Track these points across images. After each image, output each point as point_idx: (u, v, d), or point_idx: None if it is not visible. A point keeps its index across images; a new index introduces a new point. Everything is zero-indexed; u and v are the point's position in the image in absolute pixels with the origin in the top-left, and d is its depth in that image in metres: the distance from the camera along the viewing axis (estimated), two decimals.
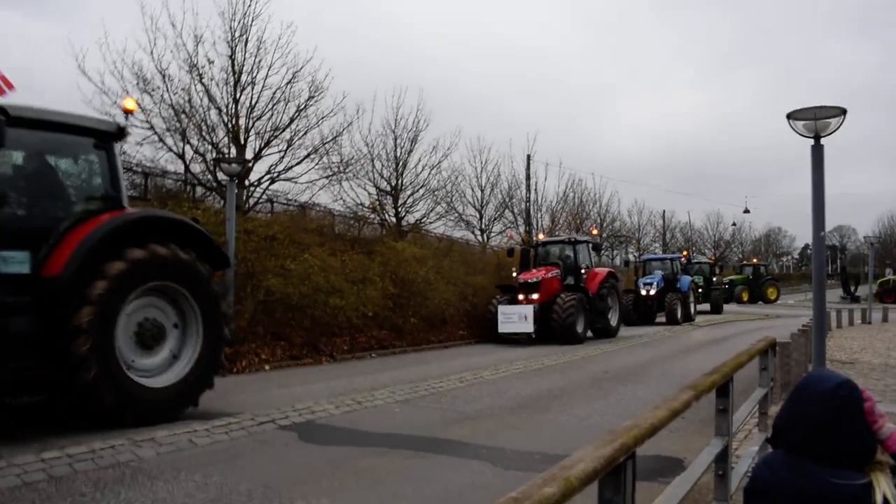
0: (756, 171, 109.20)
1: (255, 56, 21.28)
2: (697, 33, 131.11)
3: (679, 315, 30.65)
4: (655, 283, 31.53)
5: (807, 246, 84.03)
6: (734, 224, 74.43)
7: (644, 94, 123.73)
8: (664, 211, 64.31)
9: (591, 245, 24.57)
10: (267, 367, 14.11)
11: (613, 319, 23.55)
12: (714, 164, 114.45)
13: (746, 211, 60.73)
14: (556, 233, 37.93)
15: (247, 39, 21.17)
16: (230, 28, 21.05)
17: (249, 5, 21.06)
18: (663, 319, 31.08)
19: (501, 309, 20.94)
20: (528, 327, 20.24)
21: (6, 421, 8.57)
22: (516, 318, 20.50)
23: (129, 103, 11.16)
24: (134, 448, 7.33)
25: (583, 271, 22.82)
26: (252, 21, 21.14)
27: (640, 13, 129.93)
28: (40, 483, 6.23)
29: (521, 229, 37.05)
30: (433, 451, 7.54)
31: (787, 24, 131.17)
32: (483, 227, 36.40)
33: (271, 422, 8.80)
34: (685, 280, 33.41)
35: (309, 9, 62.84)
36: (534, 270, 22.44)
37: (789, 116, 8.54)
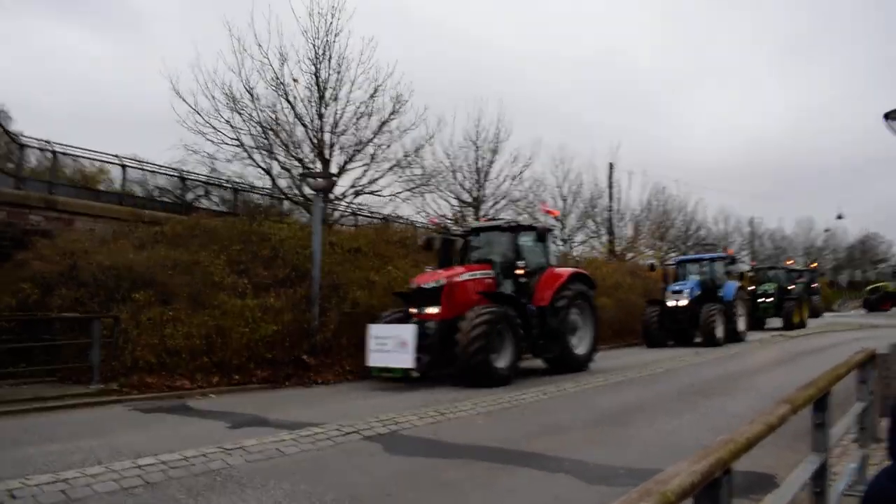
0: (849, 172, 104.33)
1: (338, 72, 21.82)
2: (769, 23, 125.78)
3: (719, 333, 23.45)
4: (688, 292, 24.58)
5: None
6: (827, 230, 71.84)
7: (720, 90, 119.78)
8: (752, 217, 62.56)
9: (539, 233, 16.20)
10: (350, 378, 14.34)
11: (581, 343, 16.41)
12: (803, 166, 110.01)
13: (840, 216, 58.65)
14: (638, 246, 37.29)
15: (330, 56, 21.73)
16: (313, 46, 21.61)
17: (331, 23, 21.55)
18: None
19: (374, 330, 13.99)
20: (405, 360, 13.29)
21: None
22: (391, 344, 13.58)
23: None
24: (224, 456, 7.53)
25: (519, 271, 15.48)
26: (335, 38, 21.65)
27: (705, 3, 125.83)
28: (136, 488, 6.47)
29: (604, 239, 36.60)
30: (516, 463, 7.48)
31: (873, 4, 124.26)
32: (565, 236, 36.18)
33: (356, 432, 8.91)
34: (730, 287, 26.01)
35: (386, 23, 63.90)
36: (440, 271, 15.23)
37: (887, 116, 8.20)
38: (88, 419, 10.12)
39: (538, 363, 16.19)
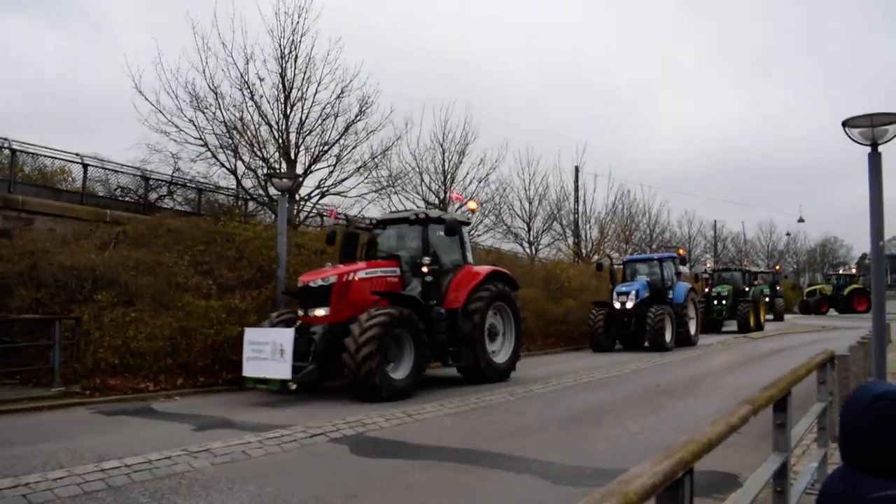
0: (810, 178, 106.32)
1: (305, 72, 21.76)
2: (732, 31, 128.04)
3: (667, 336, 22.15)
4: (634, 293, 23.16)
5: (864, 256, 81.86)
6: (788, 234, 73.09)
7: (684, 94, 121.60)
8: (715, 221, 63.36)
9: (449, 226, 13.93)
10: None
11: (502, 351, 14.89)
12: (765, 171, 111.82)
13: (801, 220, 59.69)
14: (603, 248, 37.46)
15: (296, 56, 21.68)
16: (280, 45, 21.53)
17: (298, 22, 21.46)
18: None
19: (249, 335, 12.23)
20: (282, 370, 11.45)
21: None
22: (267, 351, 11.70)
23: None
24: (190, 459, 7.46)
25: (424, 269, 13.54)
26: (301, 38, 21.58)
27: (666, 13, 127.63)
28: (99, 493, 6.40)
29: (570, 241, 36.86)
30: (484, 464, 7.52)
31: (834, 16, 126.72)
32: (531, 239, 36.39)
33: (323, 434, 8.89)
34: (680, 288, 24.76)
35: (348, 19, 63.65)
36: (327, 268, 13.49)
37: (845, 124, 8.37)
38: (50, 422, 9.94)
39: (453, 372, 14.81)
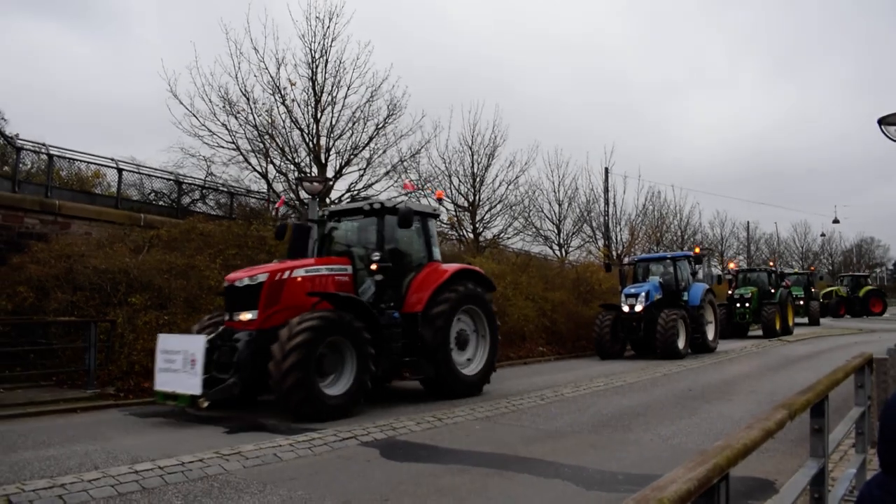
0: (846, 177, 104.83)
1: (335, 76, 21.89)
2: (758, 28, 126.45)
3: (680, 343, 20.15)
4: (644, 295, 21.04)
5: None
6: (823, 234, 72.04)
7: (713, 93, 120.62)
8: (748, 222, 62.62)
9: (402, 217, 11.83)
10: None
11: (474, 362, 13.13)
12: (799, 171, 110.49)
13: (836, 221, 58.77)
14: (634, 250, 36.92)
15: (326, 60, 21.81)
16: (310, 50, 21.69)
17: (328, 27, 21.61)
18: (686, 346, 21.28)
19: (162, 342, 10.80)
20: (192, 384, 10.05)
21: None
22: (179, 362, 10.30)
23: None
24: (222, 461, 7.52)
25: (373, 267, 11.91)
26: (331, 42, 21.72)
27: (690, 12, 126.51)
28: (133, 494, 6.47)
29: (601, 243, 36.61)
30: (514, 469, 7.47)
31: (861, 10, 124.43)
32: (561, 241, 36.21)
33: (353, 438, 8.90)
34: (697, 289, 22.59)
35: (377, 20, 64.02)
36: (258, 266, 12.06)
37: (880, 122, 8.21)
38: (85, 424, 10.09)
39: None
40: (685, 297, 22.08)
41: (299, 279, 11.36)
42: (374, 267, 11.88)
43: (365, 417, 10.18)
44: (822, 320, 41.05)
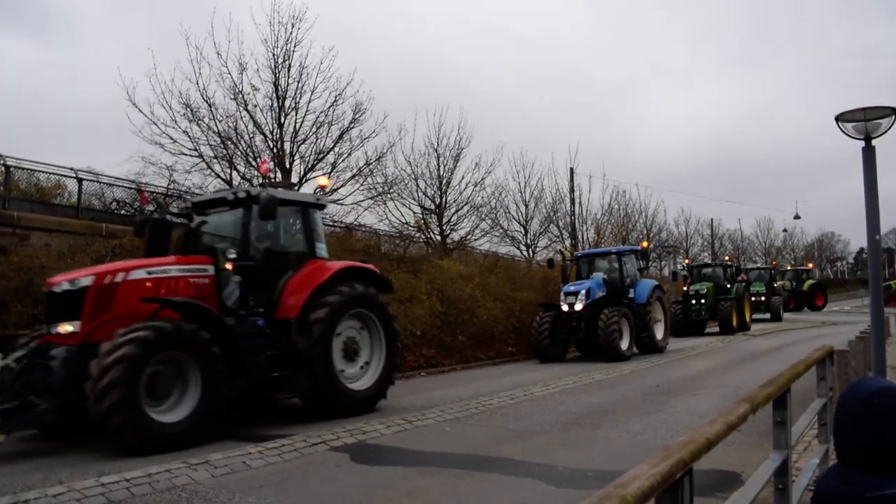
0: (806, 173, 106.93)
1: (298, 81, 21.76)
2: (715, 23, 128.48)
3: (623, 344, 19.00)
4: (584, 293, 19.70)
5: (862, 250, 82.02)
6: (785, 230, 73.21)
7: (674, 90, 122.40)
8: (712, 219, 63.39)
9: (264, 207, 10.07)
10: None
11: (367, 375, 11.34)
12: (761, 167, 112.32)
13: (797, 217, 59.73)
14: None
15: (289, 65, 21.69)
16: (273, 55, 21.54)
17: (291, 32, 21.49)
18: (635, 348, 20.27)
19: None
20: None
21: (60, 448, 8.75)
22: None
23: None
24: (189, 471, 7.42)
25: (228, 266, 10.18)
26: (294, 47, 21.60)
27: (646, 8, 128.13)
28: None
29: (567, 243, 36.85)
30: (485, 469, 7.49)
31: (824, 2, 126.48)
32: (528, 242, 36.38)
33: (323, 443, 8.85)
34: (644, 286, 21.44)
35: (339, 25, 63.76)
36: (85, 268, 10.54)
37: (838, 119, 8.36)
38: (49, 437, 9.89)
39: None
40: (631, 295, 21.03)
41: (136, 282, 9.39)
42: (229, 266, 10.09)
43: (334, 422, 10.11)
44: (786, 315, 41.24)
